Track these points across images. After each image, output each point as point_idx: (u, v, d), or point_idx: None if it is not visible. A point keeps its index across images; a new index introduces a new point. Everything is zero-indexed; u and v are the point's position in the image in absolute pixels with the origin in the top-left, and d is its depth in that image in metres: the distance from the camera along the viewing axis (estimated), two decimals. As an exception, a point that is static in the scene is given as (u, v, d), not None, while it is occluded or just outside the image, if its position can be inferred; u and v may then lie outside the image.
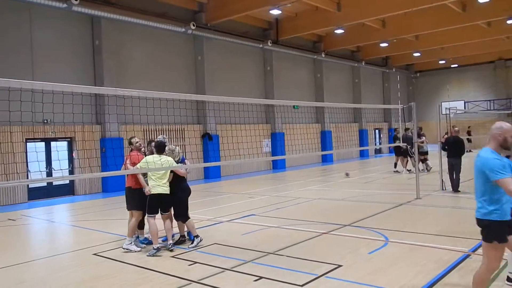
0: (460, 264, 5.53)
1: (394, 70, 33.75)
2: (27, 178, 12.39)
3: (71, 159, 15.20)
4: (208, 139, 18.95)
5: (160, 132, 16.39)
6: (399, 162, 17.64)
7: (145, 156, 7.25)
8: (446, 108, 15.50)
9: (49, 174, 13.80)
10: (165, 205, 6.96)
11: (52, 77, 13.59)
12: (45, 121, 13.51)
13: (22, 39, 13.95)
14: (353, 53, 29.66)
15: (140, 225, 7.25)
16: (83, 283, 5.55)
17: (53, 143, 14.62)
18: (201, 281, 5.31)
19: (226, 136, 18.67)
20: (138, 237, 7.22)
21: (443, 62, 33.76)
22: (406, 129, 16.44)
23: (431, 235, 7.12)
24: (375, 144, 31.97)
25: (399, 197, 11.22)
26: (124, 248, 6.91)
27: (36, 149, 13.61)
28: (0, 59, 13.29)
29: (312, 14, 20.96)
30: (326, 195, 12.49)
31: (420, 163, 16.08)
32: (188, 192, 7.24)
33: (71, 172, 14.89)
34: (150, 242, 7.12)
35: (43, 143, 14.42)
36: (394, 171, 17.61)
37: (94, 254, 6.86)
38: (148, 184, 6.87)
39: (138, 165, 6.88)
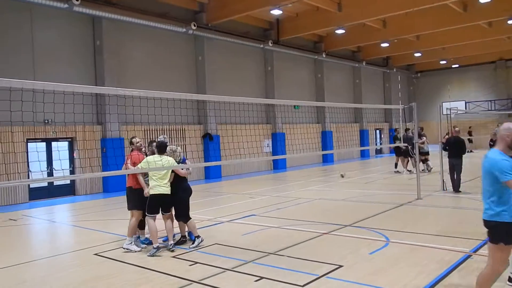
0: (461, 265, 5.53)
1: (395, 70, 33.74)
2: (28, 178, 12.41)
3: (72, 159, 15.21)
4: (208, 139, 18.96)
5: (160, 132, 16.39)
6: (399, 163, 17.63)
7: (146, 156, 7.26)
8: (447, 109, 15.47)
9: (50, 174, 13.81)
10: (166, 206, 6.97)
11: (53, 77, 13.61)
12: (46, 121, 13.52)
13: (23, 39, 13.97)
14: (354, 53, 29.65)
15: (141, 225, 7.25)
16: (84, 283, 5.55)
17: (54, 143, 14.64)
18: (202, 281, 5.31)
19: (226, 136, 18.68)
20: (139, 237, 7.23)
21: (444, 62, 33.75)
22: (406, 130, 16.43)
23: (432, 235, 7.12)
24: (376, 145, 31.95)
25: (400, 198, 11.21)
26: (124, 248, 6.92)
27: (37, 149, 13.62)
28: (2, 59, 13.31)
29: (313, 14, 20.96)
30: (326, 195, 12.49)
31: (421, 163, 16.06)
32: (189, 192, 7.25)
33: (72, 172, 14.90)
34: (151, 242, 7.11)
35: (44, 143, 14.43)
36: (394, 172, 17.60)
37: (95, 254, 6.87)
38: (149, 184, 6.88)
39: (139, 165, 6.89)
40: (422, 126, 19.84)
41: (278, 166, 22.64)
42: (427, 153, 17.19)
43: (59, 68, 14.59)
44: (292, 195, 12.68)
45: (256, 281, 5.24)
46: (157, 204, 6.87)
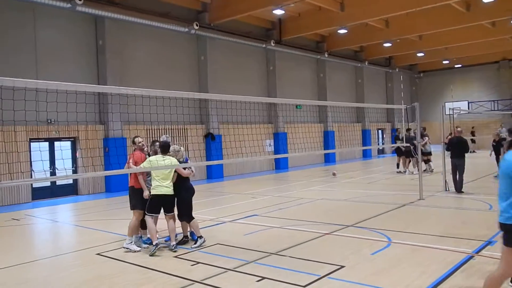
0: (464, 266, 5.51)
1: (397, 70, 33.67)
2: (31, 177, 12.43)
3: (74, 159, 15.24)
4: (210, 139, 18.97)
5: (163, 131, 16.42)
6: (401, 163, 17.60)
7: (148, 156, 7.27)
8: (449, 109, 15.44)
9: (53, 173, 13.85)
10: (168, 206, 6.97)
11: (56, 77, 13.62)
12: (49, 121, 13.56)
13: (26, 38, 14.01)
14: (356, 53, 29.61)
15: (143, 225, 7.26)
16: (86, 283, 5.56)
17: (56, 143, 14.67)
18: (203, 281, 5.31)
19: (228, 135, 18.66)
20: (141, 237, 7.24)
21: (447, 62, 33.65)
22: (408, 130, 16.40)
23: (434, 236, 7.10)
24: (378, 145, 31.89)
25: (402, 198, 11.19)
26: (124, 248, 6.93)
27: (40, 149, 13.66)
28: (4, 59, 13.35)
29: (315, 14, 20.94)
30: (328, 196, 12.48)
31: (423, 163, 16.03)
32: (192, 192, 7.25)
33: (75, 171, 14.93)
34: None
35: (47, 143, 14.47)
36: (396, 172, 17.57)
37: (97, 254, 6.88)
38: (151, 185, 6.89)
39: (141, 165, 6.90)
40: (425, 126, 19.82)
41: (280, 166, 22.63)
42: (430, 153, 17.15)
43: (61, 68, 14.62)
44: (294, 195, 12.68)
45: (258, 281, 5.24)
46: (158, 204, 6.88)
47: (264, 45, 21.60)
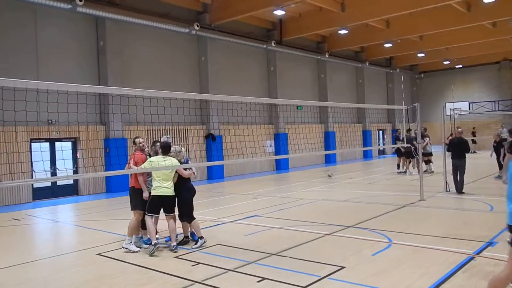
0: (465, 267, 5.51)
1: (398, 70, 33.65)
2: (32, 178, 12.44)
3: (75, 159, 15.26)
4: (211, 139, 18.97)
5: (163, 132, 16.42)
6: (401, 163, 17.58)
7: (149, 156, 7.27)
8: (450, 109, 15.44)
9: (54, 174, 13.86)
10: (168, 206, 6.96)
11: (56, 77, 13.65)
12: (50, 121, 13.57)
13: (27, 39, 14.03)
14: (357, 54, 29.61)
15: (144, 225, 7.26)
16: (86, 283, 5.57)
17: (57, 143, 14.69)
18: (204, 282, 5.32)
19: (229, 136, 18.68)
20: (141, 237, 7.24)
21: (448, 62, 33.63)
22: (408, 130, 16.40)
23: (435, 237, 7.09)
24: (379, 145, 31.87)
25: (402, 199, 11.18)
26: (123, 248, 6.93)
27: (41, 149, 13.67)
28: (5, 59, 13.36)
29: (316, 15, 20.94)
30: (329, 196, 12.47)
31: (424, 164, 16.01)
32: (192, 192, 7.25)
33: (76, 172, 14.94)
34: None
35: (47, 143, 14.49)
36: (397, 172, 17.56)
37: (98, 254, 6.89)
38: (152, 185, 6.89)
39: (142, 166, 6.90)
40: (425, 127, 19.80)
41: (281, 166, 22.63)
42: (430, 154, 17.13)
43: (62, 68, 14.64)
44: (295, 196, 12.67)
45: (259, 282, 5.24)
46: (158, 205, 6.88)
47: (264, 46, 21.60)
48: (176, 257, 6.52)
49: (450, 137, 13.34)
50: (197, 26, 17.97)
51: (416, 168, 16.97)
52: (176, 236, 7.08)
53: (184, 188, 7.07)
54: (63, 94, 5.88)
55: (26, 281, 5.80)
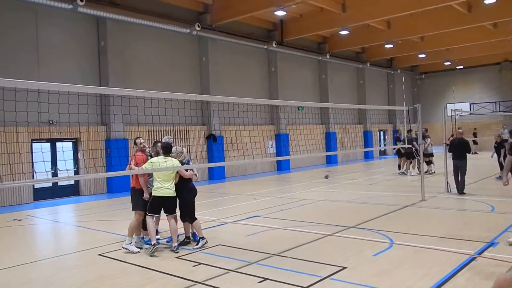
0: (466, 267, 5.50)
1: (399, 71, 33.65)
2: (33, 178, 12.45)
3: (76, 160, 15.27)
4: (212, 140, 18.98)
5: (164, 133, 16.44)
6: (403, 164, 17.56)
7: (150, 156, 7.27)
8: (451, 110, 15.41)
9: (55, 174, 13.86)
10: (169, 207, 6.96)
11: (57, 78, 13.67)
12: (51, 122, 13.58)
13: (28, 39, 14.04)
14: (358, 54, 29.61)
15: (145, 226, 7.26)
16: (88, 284, 5.57)
17: (58, 144, 14.70)
18: (205, 282, 5.31)
19: (230, 137, 18.69)
20: (143, 237, 7.24)
21: (449, 63, 33.62)
22: (409, 131, 16.40)
23: (436, 237, 7.08)
24: (380, 146, 31.87)
25: (404, 199, 11.17)
26: (123, 248, 6.92)
27: (42, 150, 13.69)
28: (6, 59, 13.38)
29: (317, 15, 20.95)
30: (330, 197, 12.47)
31: (425, 164, 15.99)
32: (194, 192, 7.24)
33: (76, 172, 14.96)
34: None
35: (48, 144, 14.50)
36: (399, 173, 17.54)
37: (99, 254, 6.89)
38: (153, 186, 6.89)
39: (143, 166, 6.90)
40: (426, 127, 19.75)
41: (282, 167, 22.63)
42: (431, 155, 17.11)
43: (63, 68, 14.65)
44: (296, 196, 12.67)
45: (260, 282, 5.24)
46: (158, 205, 6.88)
47: (265, 46, 21.61)
48: (177, 257, 6.52)
49: (451, 138, 13.33)
50: (198, 26, 17.99)
51: (416, 168, 16.98)
52: (178, 237, 7.08)
53: (185, 189, 7.07)
54: (64, 95, 5.88)
55: (29, 281, 5.80)
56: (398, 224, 8.36)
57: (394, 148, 21.84)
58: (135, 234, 7.11)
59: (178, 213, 7.19)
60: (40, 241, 8.95)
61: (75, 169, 15.09)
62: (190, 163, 7.80)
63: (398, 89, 33.74)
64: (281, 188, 15.81)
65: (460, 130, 12.46)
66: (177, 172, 6.93)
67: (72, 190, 15.30)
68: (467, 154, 11.67)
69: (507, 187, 7.14)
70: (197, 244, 6.99)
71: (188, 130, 18.28)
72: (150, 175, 7.04)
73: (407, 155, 16.85)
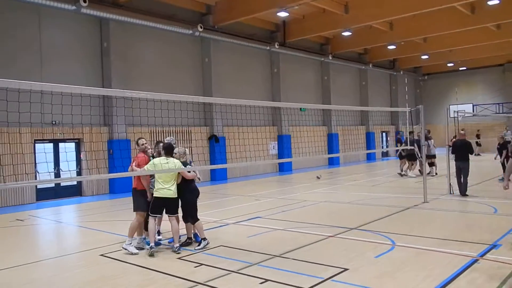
0: (468, 269, 5.48)
1: (401, 72, 33.59)
2: (36, 179, 12.50)
3: (79, 160, 15.31)
4: (214, 141, 18.99)
5: (167, 134, 16.48)
6: (404, 166, 17.52)
7: (152, 157, 7.29)
8: (454, 111, 15.39)
9: (57, 175, 13.90)
10: (170, 208, 6.96)
11: (60, 79, 13.71)
12: (54, 123, 13.63)
13: (31, 40, 14.09)
14: (360, 56, 29.58)
15: (147, 227, 7.27)
16: (89, 284, 5.58)
17: (61, 144, 14.74)
18: (207, 283, 5.32)
19: (233, 139, 18.71)
20: (144, 238, 7.25)
21: (452, 64, 33.53)
22: (410, 133, 16.38)
23: (438, 239, 7.07)
24: (382, 147, 31.82)
25: (406, 201, 11.15)
26: (123, 248, 6.93)
27: (45, 150, 13.73)
28: (9, 60, 13.44)
29: (320, 17, 20.94)
30: (332, 198, 12.45)
31: (427, 166, 15.96)
32: (196, 193, 7.26)
33: (79, 173, 15.00)
34: (157, 244, 7.14)
35: (51, 144, 14.54)
36: (401, 175, 17.50)
37: (101, 255, 6.90)
38: (154, 187, 6.90)
39: (145, 167, 6.92)
40: (429, 129, 19.72)
41: (284, 168, 22.62)
42: (434, 156, 17.08)
43: (66, 69, 14.71)
44: (298, 198, 12.66)
45: (261, 283, 5.24)
46: (160, 206, 6.89)
47: (268, 47, 21.63)
48: (179, 258, 6.53)
49: (454, 139, 13.30)
50: (201, 27, 18.02)
51: (417, 170, 16.97)
52: (179, 237, 7.09)
53: (188, 190, 7.08)
54: (67, 96, 5.91)
55: (31, 281, 5.82)
56: (400, 226, 8.35)
57: (396, 150, 21.83)
58: (137, 234, 7.12)
59: (180, 213, 7.21)
60: (42, 241, 8.98)
61: (78, 170, 15.13)
62: (192, 164, 7.80)
63: (400, 90, 33.67)
64: (283, 189, 15.81)
65: (462, 132, 12.43)
66: (179, 173, 6.93)
67: (75, 191, 15.34)
68: (470, 155, 11.65)
69: (510, 190, 7.11)
70: (198, 245, 7.00)
71: (191, 131, 18.30)
72: (152, 175, 7.05)
73: (408, 156, 16.83)
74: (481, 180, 14.60)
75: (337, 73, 27.42)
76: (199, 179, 7.33)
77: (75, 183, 15.43)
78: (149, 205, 6.97)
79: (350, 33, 22.58)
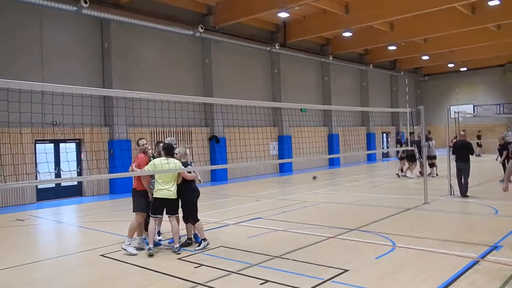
0: (469, 271, 5.48)
1: (402, 73, 33.59)
2: (36, 179, 12.50)
3: (79, 161, 15.32)
4: (215, 141, 18.99)
5: (168, 134, 16.49)
6: (404, 166, 17.52)
7: (153, 157, 7.28)
8: (455, 112, 15.38)
9: (58, 175, 13.91)
10: (171, 208, 6.96)
11: (61, 79, 13.74)
12: (55, 123, 13.63)
13: (32, 40, 14.11)
14: (361, 56, 29.57)
15: (148, 227, 7.27)
16: (90, 284, 5.58)
17: (62, 145, 14.76)
18: (207, 284, 5.32)
19: (233, 139, 18.68)
20: (145, 238, 7.24)
21: (452, 65, 33.51)
22: (411, 133, 16.38)
23: (439, 240, 7.06)
24: (383, 148, 31.80)
25: (406, 202, 11.14)
26: (122, 248, 6.92)
27: (46, 150, 13.72)
28: (10, 60, 13.45)
29: (320, 17, 20.95)
30: (333, 199, 12.44)
31: (428, 167, 15.95)
32: (196, 194, 7.25)
33: (80, 173, 15.01)
34: (157, 244, 7.15)
35: (52, 145, 14.55)
36: (402, 176, 17.49)
37: (101, 255, 6.90)
38: (154, 187, 6.90)
39: (145, 168, 6.92)
40: (429, 129, 19.72)
41: (285, 169, 22.61)
42: (434, 157, 17.06)
43: (67, 70, 14.72)
44: (298, 198, 12.65)
45: (261, 284, 5.23)
46: (160, 206, 6.89)
47: (268, 48, 21.63)
48: (179, 258, 6.53)
49: (454, 140, 13.30)
50: (202, 28, 18.04)
51: (413, 171, 16.98)
52: (179, 238, 7.09)
53: (188, 190, 7.08)
54: (68, 96, 5.91)
55: (31, 281, 5.82)
56: (400, 226, 8.34)
57: (397, 151, 21.83)
58: (137, 235, 7.12)
59: (180, 214, 7.21)
60: (42, 241, 8.98)
61: (78, 170, 15.14)
62: (193, 165, 7.80)
63: (401, 91, 33.66)
64: (283, 190, 15.80)
65: (462, 133, 12.43)
66: (179, 174, 6.93)
67: (75, 191, 15.35)
68: (470, 156, 11.64)
69: (511, 191, 7.10)
70: (199, 246, 6.99)
71: (191, 132, 18.31)
72: (152, 176, 7.05)
73: (408, 157, 16.82)
74: (482, 181, 14.58)
75: (337, 74, 27.42)
76: (199, 181, 7.32)
77: (75, 183, 15.44)
78: (149, 206, 6.97)
79: (350, 34, 22.58)
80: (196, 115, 17.59)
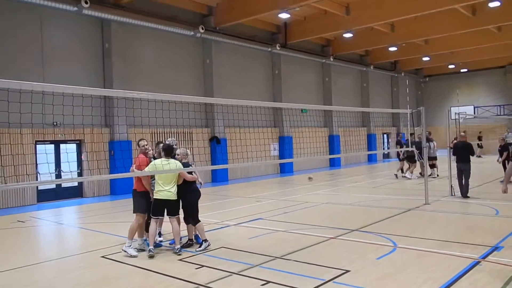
0: (470, 271, 5.47)
1: (403, 74, 33.58)
2: (37, 180, 12.48)
3: (80, 161, 15.31)
4: (216, 142, 18.99)
5: (168, 135, 16.49)
6: (405, 167, 17.51)
7: (153, 158, 7.28)
8: (455, 113, 15.38)
9: (58, 176, 13.90)
10: (171, 209, 6.95)
11: (61, 79, 13.74)
12: (55, 124, 13.64)
13: (32, 40, 14.11)
14: (361, 57, 29.58)
15: (149, 228, 7.26)
16: (90, 285, 5.58)
17: (62, 145, 14.75)
18: (208, 285, 5.31)
19: (234, 139, 18.69)
20: (145, 239, 7.23)
21: (453, 66, 33.52)
22: (411, 134, 16.38)
23: (440, 241, 7.05)
24: (383, 149, 31.79)
25: (407, 203, 11.13)
26: (123, 250, 6.91)
27: (46, 151, 13.73)
28: (11, 60, 13.45)
29: (321, 18, 20.96)
30: (334, 200, 12.43)
31: (429, 168, 15.93)
32: (197, 194, 7.24)
33: (80, 174, 15.00)
34: (158, 245, 7.14)
35: (52, 145, 14.55)
36: (402, 176, 17.48)
37: (102, 256, 6.89)
38: (154, 188, 6.89)
39: (146, 169, 6.91)
40: (430, 130, 19.72)
41: (285, 169, 22.60)
42: (435, 158, 17.05)
43: (68, 70, 14.72)
44: (299, 199, 12.64)
45: (263, 285, 5.22)
46: (160, 208, 6.88)
47: (269, 49, 21.64)
48: (180, 259, 6.52)
49: (454, 141, 13.29)
50: (202, 28, 18.05)
51: (412, 172, 16.96)
52: (180, 239, 7.08)
53: (189, 191, 7.07)
54: (69, 97, 5.91)
55: (32, 283, 5.81)
56: (401, 227, 8.33)
57: (397, 153, 21.83)
58: (138, 236, 7.11)
59: (181, 215, 7.20)
60: (43, 242, 8.97)
61: (79, 171, 15.13)
62: (193, 165, 7.79)
63: (402, 92, 33.66)
64: (284, 190, 15.79)
65: (463, 134, 12.42)
66: (180, 174, 6.92)
67: (76, 192, 15.34)
68: (471, 157, 11.64)
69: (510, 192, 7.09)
70: (200, 247, 6.98)
71: (192, 132, 18.30)
72: (152, 177, 7.04)
73: (408, 158, 16.81)
74: (483, 182, 14.57)
75: (338, 75, 27.42)
76: (201, 183, 7.31)
77: (76, 184, 15.43)
78: (149, 207, 6.96)
79: (351, 35, 22.60)
80: (197, 116, 17.58)
